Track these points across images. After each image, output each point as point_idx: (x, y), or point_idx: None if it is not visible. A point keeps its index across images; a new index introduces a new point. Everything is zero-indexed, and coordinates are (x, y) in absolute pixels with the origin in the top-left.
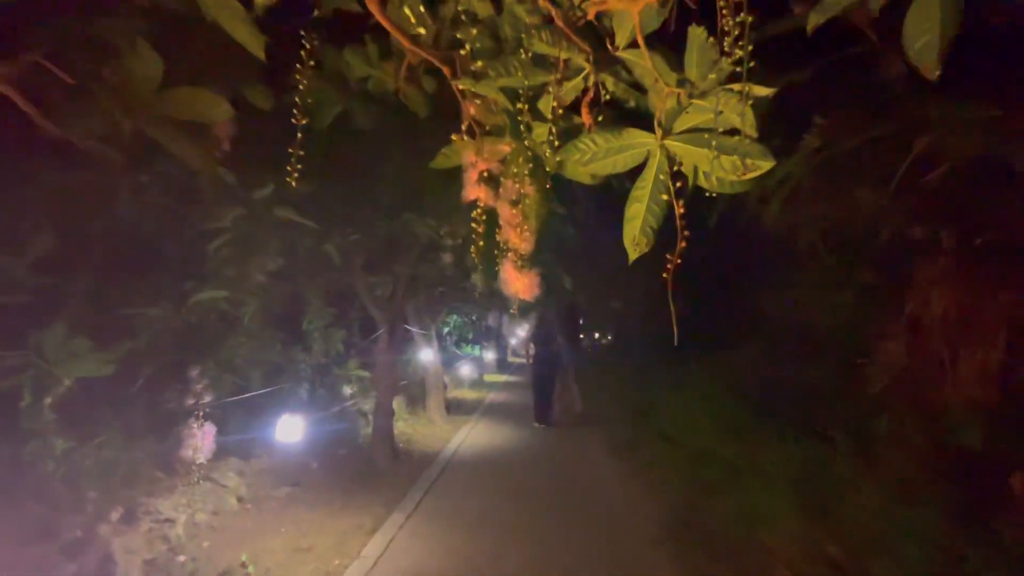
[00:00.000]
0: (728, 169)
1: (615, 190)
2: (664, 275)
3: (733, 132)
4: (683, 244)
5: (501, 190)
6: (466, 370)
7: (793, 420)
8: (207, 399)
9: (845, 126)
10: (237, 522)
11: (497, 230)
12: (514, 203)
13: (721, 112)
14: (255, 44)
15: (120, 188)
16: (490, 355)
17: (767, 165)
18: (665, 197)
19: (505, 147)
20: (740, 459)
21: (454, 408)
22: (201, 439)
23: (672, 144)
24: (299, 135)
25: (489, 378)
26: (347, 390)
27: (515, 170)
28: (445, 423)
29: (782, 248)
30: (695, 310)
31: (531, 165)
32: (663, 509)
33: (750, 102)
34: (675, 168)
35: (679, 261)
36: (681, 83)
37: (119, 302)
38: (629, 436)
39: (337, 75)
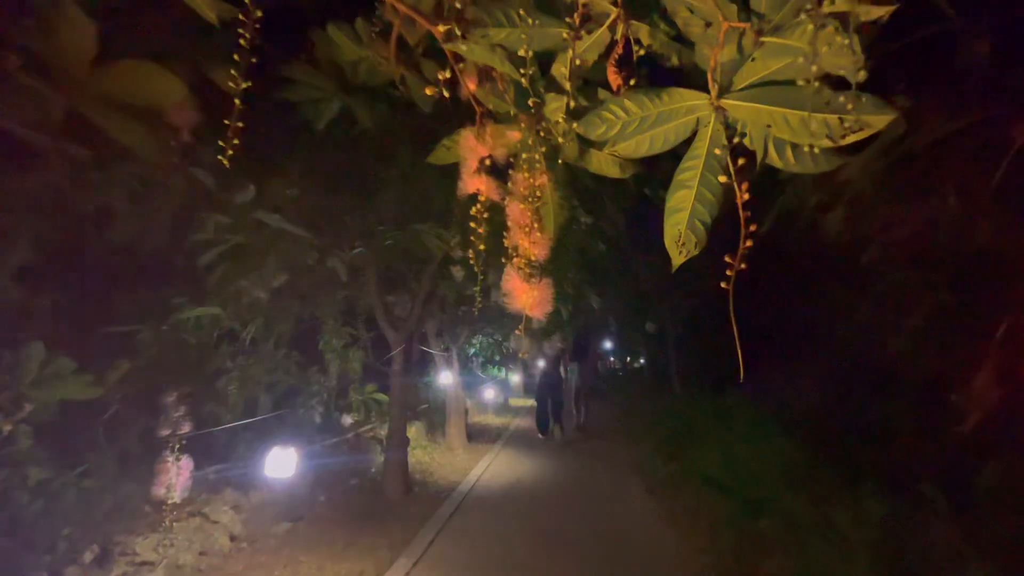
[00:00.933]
0: (818, 133)
1: (648, 201)
2: (710, 285)
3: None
4: (748, 244)
5: (510, 184)
6: (490, 394)
7: (864, 465)
8: (186, 428)
9: (936, 110)
10: (227, 564)
11: (505, 233)
12: (524, 200)
13: (809, 51)
14: (205, 5)
15: (81, 189)
16: (516, 378)
17: (882, 120)
18: (722, 180)
19: (514, 134)
20: (803, 513)
21: (476, 435)
22: (176, 475)
23: (732, 105)
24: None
25: (515, 402)
26: (347, 419)
27: (525, 156)
28: (465, 452)
29: (843, 263)
30: (739, 332)
31: (544, 148)
32: (709, 568)
33: (856, 30)
34: (735, 140)
35: (743, 267)
36: (744, 17)
37: (99, 319)
38: (667, 473)
39: (333, 66)
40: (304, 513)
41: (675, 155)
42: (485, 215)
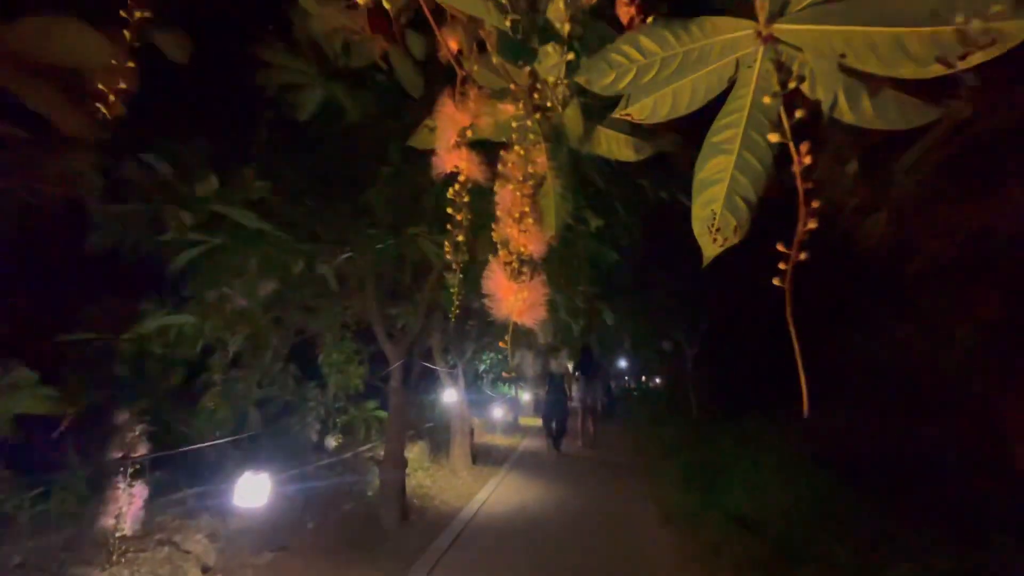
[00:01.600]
0: (922, 56)
1: (665, 208)
2: (732, 300)
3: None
4: (810, 227)
5: (500, 166)
6: (499, 413)
7: (915, 505)
8: (141, 449)
9: (1007, 93)
10: None
11: (493, 225)
12: (517, 184)
13: None
14: None
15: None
16: (527, 396)
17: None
18: (772, 139)
19: (506, 107)
20: (852, 564)
21: (482, 456)
22: (127, 504)
23: (789, 31)
24: None
25: (524, 421)
26: (331, 441)
27: (516, 126)
28: (469, 475)
29: (883, 275)
30: (762, 350)
31: (540, 120)
32: None
33: None
34: (791, 85)
35: (802, 258)
36: None
37: (55, 326)
38: (686, 504)
39: (313, 50)
40: (289, 541)
41: (705, 120)
42: (466, 199)
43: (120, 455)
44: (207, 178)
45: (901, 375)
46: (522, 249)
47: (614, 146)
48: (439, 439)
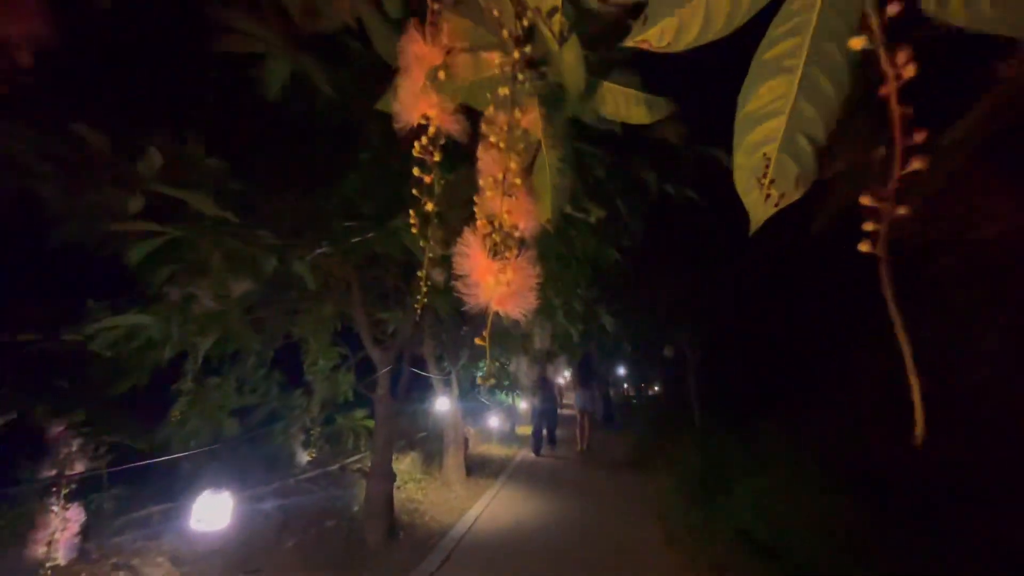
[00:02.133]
0: None
1: (668, 205)
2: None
3: None
4: (917, 167)
5: (483, 124)
6: (495, 421)
7: (953, 532)
8: (78, 466)
9: None
10: None
11: (476, 197)
12: (503, 147)
13: None
14: None
15: None
16: (524, 404)
17: None
18: (855, 46)
19: (491, 57)
20: None
21: (477, 467)
22: (60, 530)
23: None
24: None
25: (522, 431)
26: (304, 455)
27: (502, 74)
28: (463, 488)
29: (903, 271)
30: (770, 357)
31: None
32: None
33: None
34: None
35: (902, 212)
36: None
37: None
38: (690, 521)
39: (278, 11)
40: (263, 563)
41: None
42: (436, 157)
43: (54, 473)
44: (149, 154)
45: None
46: (509, 225)
47: (622, 104)
48: (432, 449)
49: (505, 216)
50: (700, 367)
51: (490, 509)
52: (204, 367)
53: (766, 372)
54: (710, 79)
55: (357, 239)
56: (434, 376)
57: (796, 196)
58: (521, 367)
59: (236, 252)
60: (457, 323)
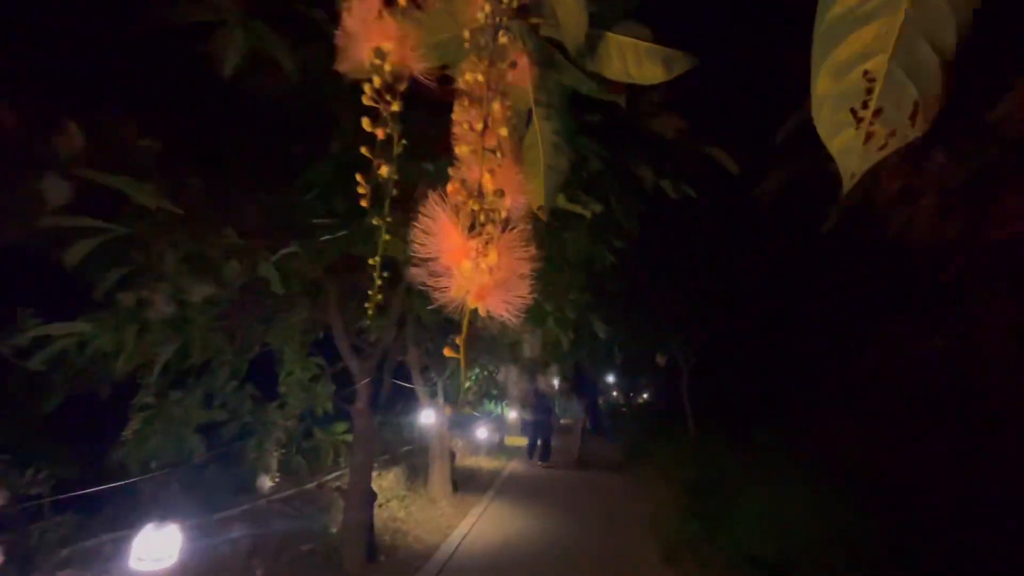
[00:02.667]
0: None
1: (663, 204)
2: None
3: None
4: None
5: (458, 77)
6: (483, 433)
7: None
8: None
9: None
10: None
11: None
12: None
13: None
14: None
15: None
16: (513, 415)
17: None
18: None
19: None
20: None
21: (464, 482)
22: None
23: None
24: None
25: (511, 441)
26: (266, 480)
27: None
28: (449, 504)
29: (910, 273)
30: (765, 364)
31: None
32: None
33: None
34: None
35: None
36: None
37: None
38: (688, 535)
39: None
40: None
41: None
42: (395, 106)
43: None
44: (68, 131)
45: (932, 389)
46: (492, 192)
47: (631, 61)
48: (417, 464)
49: (487, 179)
50: (693, 374)
51: (478, 527)
52: (172, 380)
53: (763, 379)
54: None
55: (327, 238)
56: (419, 387)
57: (914, 135)
58: (511, 377)
59: (195, 253)
60: (444, 331)
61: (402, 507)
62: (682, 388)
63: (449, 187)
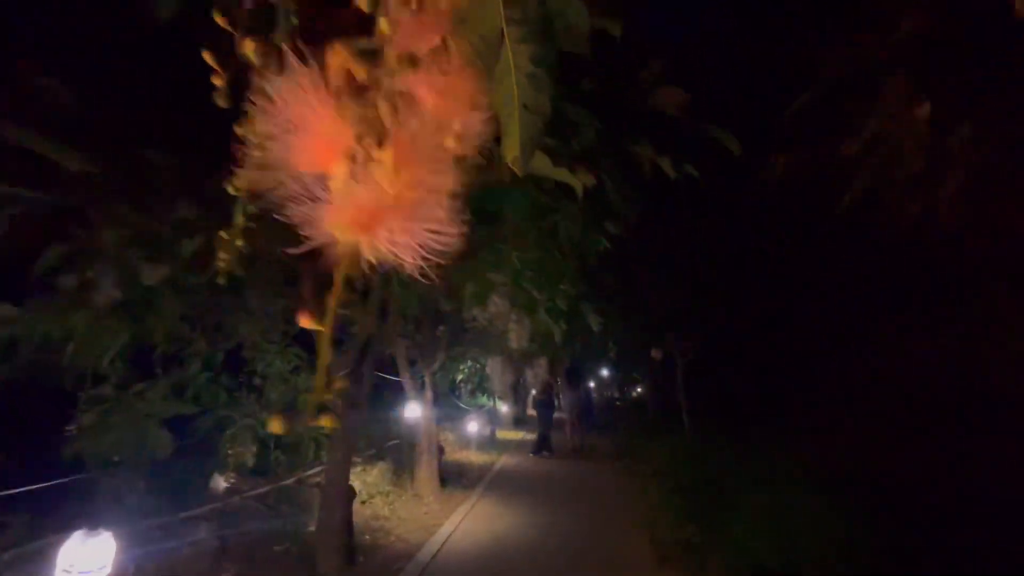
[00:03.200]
0: None
1: (663, 187)
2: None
3: None
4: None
5: None
6: (474, 427)
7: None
8: None
9: None
10: None
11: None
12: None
13: None
14: None
15: None
16: (505, 408)
17: None
18: None
19: None
20: None
21: (453, 477)
22: None
23: None
24: None
25: (503, 435)
26: (220, 481)
27: None
28: (436, 501)
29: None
30: (763, 359)
31: None
32: None
33: None
34: None
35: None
36: None
37: None
38: (684, 538)
39: None
40: None
41: None
42: None
43: None
44: None
45: (934, 388)
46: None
47: None
48: (404, 459)
49: (384, 24)
50: (688, 370)
51: (465, 525)
52: (138, 370)
53: (761, 376)
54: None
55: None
56: (405, 380)
57: None
58: (496, 370)
59: (141, 229)
60: (432, 322)
61: (386, 504)
62: (677, 384)
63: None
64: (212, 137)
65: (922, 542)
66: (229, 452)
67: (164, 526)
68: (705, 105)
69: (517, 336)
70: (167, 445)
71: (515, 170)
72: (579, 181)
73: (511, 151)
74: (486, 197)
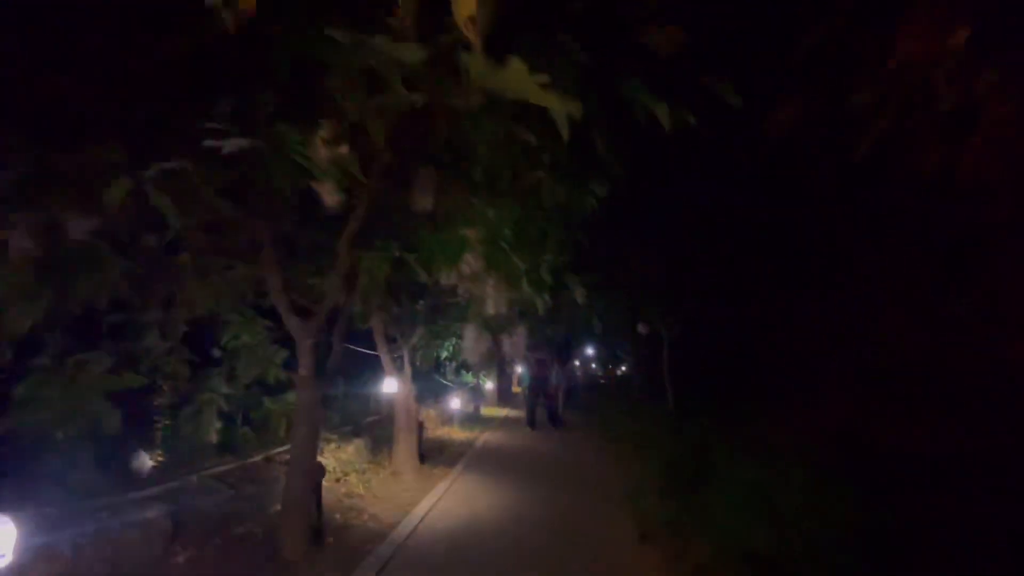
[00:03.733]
0: None
1: (655, 145)
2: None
3: None
4: None
5: None
6: (457, 403)
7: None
8: None
9: None
10: None
11: None
12: None
13: None
14: None
15: None
16: (490, 385)
17: None
18: None
19: None
20: None
21: (433, 454)
22: None
23: None
24: None
25: (487, 412)
26: (146, 460)
27: None
28: (415, 478)
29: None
30: (750, 334)
31: None
32: None
33: None
34: None
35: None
36: None
37: None
38: (668, 515)
39: None
40: None
41: None
42: None
43: None
44: None
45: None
46: None
47: None
48: (382, 435)
49: None
50: (674, 345)
51: (443, 502)
52: (84, 340)
53: (750, 350)
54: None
55: (229, 150)
56: (383, 354)
57: None
58: (469, 338)
59: (61, 170)
60: (412, 295)
61: (362, 481)
62: (663, 359)
63: None
64: (137, 64)
65: (911, 515)
66: (190, 428)
67: (111, 506)
68: (704, 47)
69: (495, 302)
70: (113, 421)
71: (469, 35)
72: (563, 107)
73: (466, 8)
74: (453, 129)
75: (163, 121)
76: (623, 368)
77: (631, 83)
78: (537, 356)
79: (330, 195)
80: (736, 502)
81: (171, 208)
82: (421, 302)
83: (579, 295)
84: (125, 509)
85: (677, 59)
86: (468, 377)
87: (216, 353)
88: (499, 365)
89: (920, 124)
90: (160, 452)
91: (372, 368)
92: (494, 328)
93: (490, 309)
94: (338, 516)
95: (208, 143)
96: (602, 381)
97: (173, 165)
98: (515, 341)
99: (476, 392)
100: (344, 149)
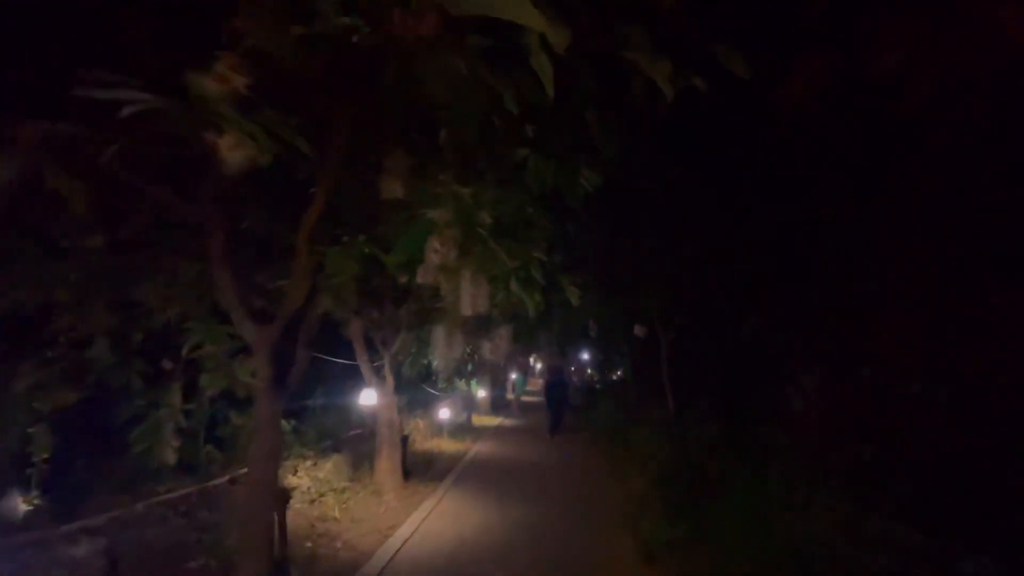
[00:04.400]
0: None
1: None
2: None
3: None
4: None
5: None
6: (447, 413)
7: None
8: None
9: None
10: None
11: None
12: None
13: None
14: None
15: None
16: (483, 393)
17: None
18: None
19: None
20: None
21: (420, 469)
22: None
23: None
24: None
25: (479, 421)
26: (19, 503)
27: None
28: (397, 497)
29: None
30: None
31: None
32: None
33: None
34: None
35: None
36: None
37: None
38: (673, 533)
39: None
40: None
41: None
42: None
43: None
44: None
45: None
46: None
47: None
48: (364, 450)
49: None
50: (673, 348)
51: (427, 524)
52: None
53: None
54: None
55: (128, 108)
56: (363, 363)
57: None
58: (439, 343)
59: None
60: (394, 300)
61: (339, 502)
62: (661, 362)
63: None
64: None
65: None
66: (143, 447)
67: (39, 542)
68: (706, 5)
69: (472, 300)
70: (46, 442)
71: None
72: (539, 23)
73: None
74: (402, 69)
75: (39, 79)
76: (619, 372)
77: (629, 33)
78: (552, 364)
79: (230, 150)
80: (745, 515)
81: (72, 188)
82: (404, 307)
83: (572, 295)
84: (53, 545)
85: (678, 19)
86: (460, 385)
87: (168, 365)
88: (491, 372)
89: (965, 81)
90: (36, 494)
91: (354, 378)
92: (467, 329)
93: (467, 308)
94: (308, 544)
95: (101, 96)
96: (597, 387)
97: (57, 128)
98: (497, 345)
99: (467, 401)
100: (241, 83)
